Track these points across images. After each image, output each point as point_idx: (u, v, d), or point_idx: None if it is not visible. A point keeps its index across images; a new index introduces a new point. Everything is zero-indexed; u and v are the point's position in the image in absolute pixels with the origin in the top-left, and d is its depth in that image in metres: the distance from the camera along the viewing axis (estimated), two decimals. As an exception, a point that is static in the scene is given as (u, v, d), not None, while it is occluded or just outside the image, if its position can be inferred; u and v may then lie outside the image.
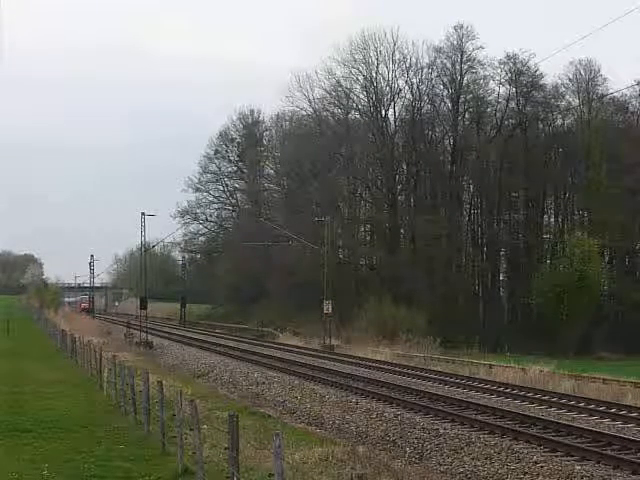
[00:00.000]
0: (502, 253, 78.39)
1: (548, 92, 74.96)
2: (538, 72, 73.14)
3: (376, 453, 17.34)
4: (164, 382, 15.26)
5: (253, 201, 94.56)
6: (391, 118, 78.24)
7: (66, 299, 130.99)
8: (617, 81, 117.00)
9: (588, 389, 27.55)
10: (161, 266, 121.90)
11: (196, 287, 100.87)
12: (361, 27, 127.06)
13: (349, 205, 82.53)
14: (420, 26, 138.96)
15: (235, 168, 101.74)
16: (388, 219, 75.39)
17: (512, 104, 75.19)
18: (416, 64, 75.40)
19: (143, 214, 59.99)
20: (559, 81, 74.82)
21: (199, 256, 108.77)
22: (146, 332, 54.30)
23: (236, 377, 33.19)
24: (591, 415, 20.60)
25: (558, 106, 75.53)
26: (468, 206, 78.73)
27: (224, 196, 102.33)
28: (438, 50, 74.33)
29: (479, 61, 73.90)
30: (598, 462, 14.95)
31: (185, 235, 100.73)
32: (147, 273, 60.86)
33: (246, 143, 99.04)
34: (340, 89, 79.15)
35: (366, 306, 63.01)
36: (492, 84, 75.13)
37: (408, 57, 75.47)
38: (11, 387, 24.00)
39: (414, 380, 29.58)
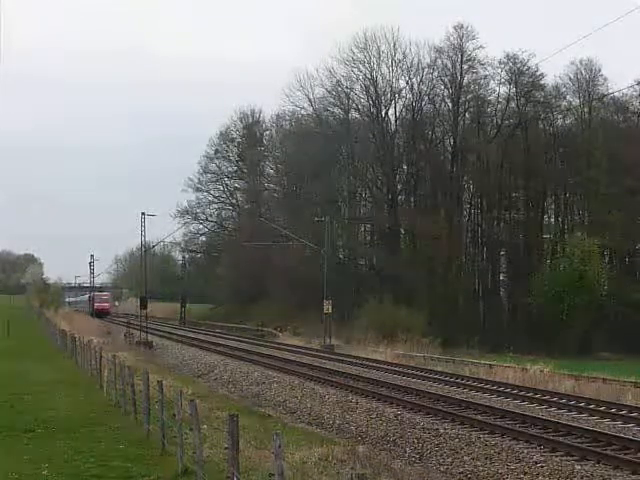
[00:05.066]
0: (502, 253, 78.40)
1: (548, 92, 75.03)
2: (538, 72, 73.33)
3: (376, 453, 17.34)
4: (164, 382, 15.26)
5: (253, 201, 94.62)
6: (391, 118, 78.52)
7: (67, 299, 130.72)
8: (617, 81, 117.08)
9: (588, 389, 27.50)
10: (161, 266, 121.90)
11: (196, 287, 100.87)
12: (362, 27, 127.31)
13: (349, 205, 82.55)
14: (420, 26, 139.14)
15: (235, 168, 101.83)
16: (388, 219, 75.41)
17: (512, 104, 75.24)
18: (417, 64, 75.61)
19: (143, 214, 59.99)
20: (559, 81, 75.02)
21: (199, 256, 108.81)
22: (146, 332, 54.29)
23: (236, 377, 33.19)
24: (591, 415, 20.57)
25: (558, 106, 75.59)
26: (468, 206, 78.76)
27: (224, 196, 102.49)
28: (438, 50, 74.53)
29: (479, 61, 74.08)
30: (598, 462, 14.93)
31: (185, 235, 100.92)
32: (147, 273, 60.84)
33: (246, 143, 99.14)
34: (340, 89, 79.32)
35: (366, 306, 63.06)
36: (492, 84, 75.35)
37: (409, 57, 75.75)
38: (11, 387, 23.99)
39: (414, 380, 29.54)
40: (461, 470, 16.39)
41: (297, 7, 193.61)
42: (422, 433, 18.98)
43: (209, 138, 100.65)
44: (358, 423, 21.44)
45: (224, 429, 10.98)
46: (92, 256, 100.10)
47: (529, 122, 75.09)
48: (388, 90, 77.05)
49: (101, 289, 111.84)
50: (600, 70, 73.06)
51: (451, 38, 73.49)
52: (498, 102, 76.07)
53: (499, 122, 76.05)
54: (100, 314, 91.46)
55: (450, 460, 17.03)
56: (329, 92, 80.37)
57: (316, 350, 46.90)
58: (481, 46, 72.93)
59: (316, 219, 64.99)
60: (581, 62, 72.73)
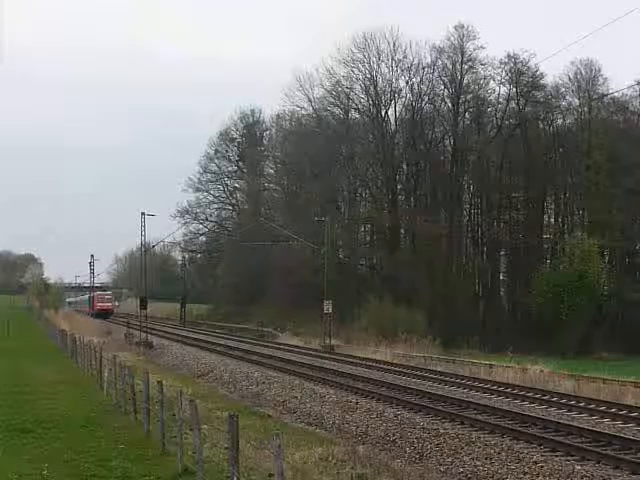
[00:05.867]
0: (502, 253, 78.40)
1: (548, 92, 75.08)
2: (538, 72, 73.38)
3: (376, 453, 17.35)
4: (164, 382, 15.25)
5: (253, 201, 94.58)
6: (391, 118, 78.41)
7: (67, 299, 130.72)
8: (617, 81, 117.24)
9: (588, 389, 27.49)
10: (161, 266, 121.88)
11: (196, 287, 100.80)
12: (362, 27, 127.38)
13: (349, 205, 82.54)
14: (421, 26, 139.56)
15: (235, 168, 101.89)
16: (388, 219, 75.39)
17: (512, 104, 75.23)
18: (417, 64, 75.55)
19: (143, 214, 59.85)
20: (559, 81, 75.04)
21: (199, 256, 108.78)
22: (146, 332, 54.25)
23: (236, 377, 33.15)
24: (591, 415, 20.56)
25: (558, 106, 75.63)
26: (468, 206, 78.76)
27: (224, 196, 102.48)
28: (439, 50, 74.50)
29: (479, 61, 74.09)
30: (598, 462, 14.93)
31: (185, 235, 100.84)
32: (147, 273, 60.78)
33: (246, 143, 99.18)
34: (340, 89, 79.28)
35: (366, 306, 62.99)
36: (492, 84, 75.35)
37: (409, 57, 75.62)
38: (11, 387, 24.01)
39: (414, 380, 29.53)
40: (461, 470, 16.38)
41: (297, 7, 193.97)
42: (422, 433, 18.97)
43: (209, 138, 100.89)
44: (358, 423, 21.42)
45: (224, 429, 10.97)
46: (92, 256, 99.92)
47: (529, 122, 75.14)
48: (388, 90, 77.05)
49: (102, 289, 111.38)
50: (600, 70, 73.21)
51: (451, 38, 73.60)
52: (498, 102, 76.13)
53: (499, 122, 76.06)
54: (102, 315, 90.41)
55: (450, 460, 17.02)
56: (329, 92, 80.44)
57: (316, 350, 46.88)
58: (481, 46, 73.08)
59: (316, 219, 64.95)
60: (581, 62, 72.87)
